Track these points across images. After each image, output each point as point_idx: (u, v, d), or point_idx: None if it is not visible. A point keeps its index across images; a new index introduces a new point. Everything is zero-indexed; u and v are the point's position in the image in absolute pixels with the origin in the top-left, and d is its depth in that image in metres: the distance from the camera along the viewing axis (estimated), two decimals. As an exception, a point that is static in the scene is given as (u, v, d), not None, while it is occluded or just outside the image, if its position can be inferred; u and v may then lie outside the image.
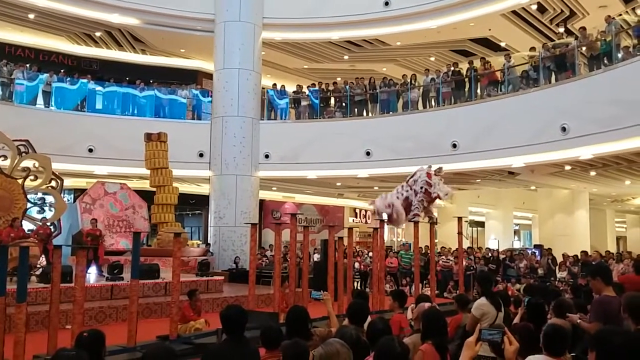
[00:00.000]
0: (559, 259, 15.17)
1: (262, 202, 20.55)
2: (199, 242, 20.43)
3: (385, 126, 16.60)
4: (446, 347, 3.75)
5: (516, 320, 5.17)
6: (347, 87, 18.07)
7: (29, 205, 13.80)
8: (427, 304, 4.47)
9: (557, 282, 13.81)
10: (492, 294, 5.11)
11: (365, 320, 4.46)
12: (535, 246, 20.90)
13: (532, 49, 15.64)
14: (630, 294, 4.19)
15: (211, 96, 18.35)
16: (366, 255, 17.94)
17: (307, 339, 3.99)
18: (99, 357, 3.46)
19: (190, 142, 17.45)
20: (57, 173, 14.35)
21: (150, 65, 21.37)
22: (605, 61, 12.96)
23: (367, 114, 17.73)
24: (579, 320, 4.40)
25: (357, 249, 19.69)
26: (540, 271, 14.94)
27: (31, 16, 17.69)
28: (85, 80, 17.44)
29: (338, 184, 20.76)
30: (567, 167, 15.31)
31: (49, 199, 14.50)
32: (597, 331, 2.57)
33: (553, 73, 14.31)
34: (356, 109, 17.92)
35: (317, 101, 18.09)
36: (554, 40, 15.95)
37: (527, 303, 4.84)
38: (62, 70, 17.85)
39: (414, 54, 20.39)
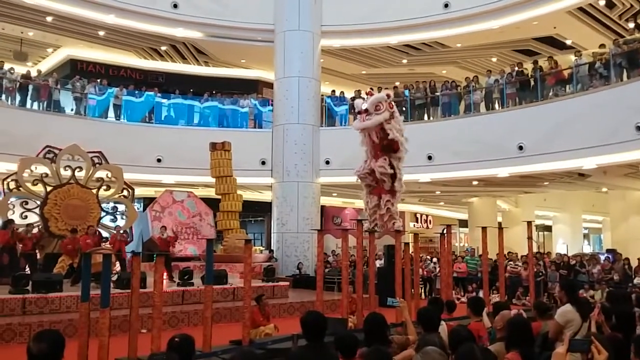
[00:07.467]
0: (634, 264, 14.45)
1: (322, 208, 20.65)
2: (261, 248, 20.73)
3: (447, 130, 16.33)
4: (533, 357, 3.66)
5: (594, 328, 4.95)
6: (407, 91, 17.92)
7: (102, 214, 14.44)
8: (513, 312, 4.35)
9: (633, 289, 13.15)
10: (579, 301, 4.91)
11: (437, 327, 4.41)
12: (608, 250, 19.98)
13: (602, 45, 15.04)
14: None
15: (272, 105, 18.64)
16: (429, 261, 17.68)
17: (385, 346, 3.99)
18: (189, 360, 3.60)
19: (252, 151, 17.77)
20: (128, 183, 14.94)
21: (212, 76, 21.92)
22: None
23: (428, 118, 17.53)
24: None
25: (420, 255, 19.43)
26: (615, 277, 14.27)
27: (101, 33, 18.53)
28: (152, 93, 18.08)
29: (399, 188, 20.54)
30: (643, 168, 14.60)
31: (121, 207, 15.13)
32: None
33: (624, 70, 13.72)
34: (417, 113, 17.74)
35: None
36: (624, 37, 15.27)
37: (616, 312, 4.62)
38: (130, 84, 18.57)
39: (474, 55, 20.01)
